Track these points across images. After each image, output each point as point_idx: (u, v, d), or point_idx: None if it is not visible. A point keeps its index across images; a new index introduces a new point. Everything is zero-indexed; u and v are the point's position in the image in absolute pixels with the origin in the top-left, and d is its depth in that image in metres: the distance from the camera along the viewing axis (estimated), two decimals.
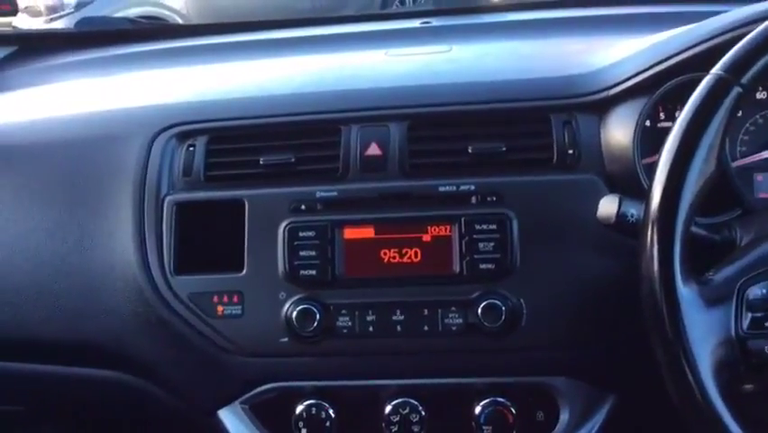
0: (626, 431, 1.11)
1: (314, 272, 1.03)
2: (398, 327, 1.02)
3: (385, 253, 1.03)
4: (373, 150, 1.07)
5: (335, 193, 1.05)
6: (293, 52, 1.42)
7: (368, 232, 1.04)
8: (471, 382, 1.06)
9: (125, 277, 1.08)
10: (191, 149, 1.11)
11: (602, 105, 1.05)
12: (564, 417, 1.05)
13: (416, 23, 1.50)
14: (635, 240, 0.84)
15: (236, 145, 1.10)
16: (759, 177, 1.04)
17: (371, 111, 1.09)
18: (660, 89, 1.02)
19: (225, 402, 1.09)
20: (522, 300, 1.01)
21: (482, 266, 1.01)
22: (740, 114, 1.04)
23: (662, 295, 0.79)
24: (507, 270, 1.01)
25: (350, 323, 1.03)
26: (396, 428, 1.05)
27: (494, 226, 1.01)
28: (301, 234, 1.03)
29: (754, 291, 0.81)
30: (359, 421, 1.07)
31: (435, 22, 1.50)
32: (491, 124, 1.07)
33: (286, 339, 1.03)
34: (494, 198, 1.03)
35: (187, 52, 1.50)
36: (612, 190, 1.00)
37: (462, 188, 1.03)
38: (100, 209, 1.11)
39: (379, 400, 1.06)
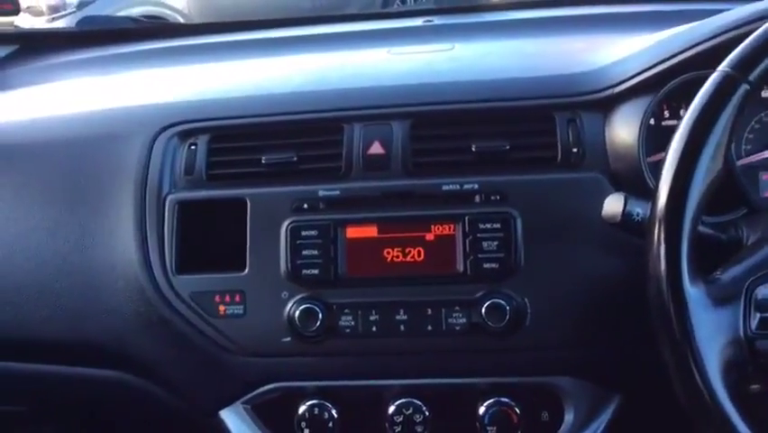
0: (631, 432, 1.10)
1: (316, 272, 1.02)
2: (402, 327, 1.02)
3: (388, 253, 1.03)
4: (376, 148, 1.06)
5: (338, 192, 1.05)
6: (295, 51, 1.41)
7: (371, 231, 1.03)
8: (475, 382, 1.05)
9: (127, 276, 1.07)
10: (193, 147, 1.10)
11: (607, 104, 1.05)
12: (569, 417, 1.04)
13: (418, 22, 1.50)
14: (641, 239, 0.84)
15: (238, 144, 1.10)
16: (764, 176, 1.04)
17: (374, 109, 1.08)
18: (665, 87, 1.02)
19: (227, 403, 1.09)
20: (526, 300, 1.01)
21: (486, 265, 1.00)
22: (745, 112, 1.03)
23: (669, 295, 0.79)
24: (511, 269, 1.01)
25: (353, 323, 1.02)
26: (399, 429, 1.05)
27: (498, 225, 1.01)
28: (303, 233, 1.03)
29: (763, 291, 0.80)
30: (362, 422, 1.06)
31: (437, 20, 1.50)
32: (495, 122, 1.07)
33: (288, 339, 1.03)
34: (498, 197, 1.02)
35: (188, 51, 1.50)
36: (617, 189, 1.00)
37: (466, 186, 1.03)
38: (101, 208, 1.10)
39: (383, 400, 1.06)
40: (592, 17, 1.42)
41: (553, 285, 1.01)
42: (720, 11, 1.04)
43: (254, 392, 1.08)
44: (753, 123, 1.05)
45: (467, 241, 1.01)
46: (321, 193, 1.05)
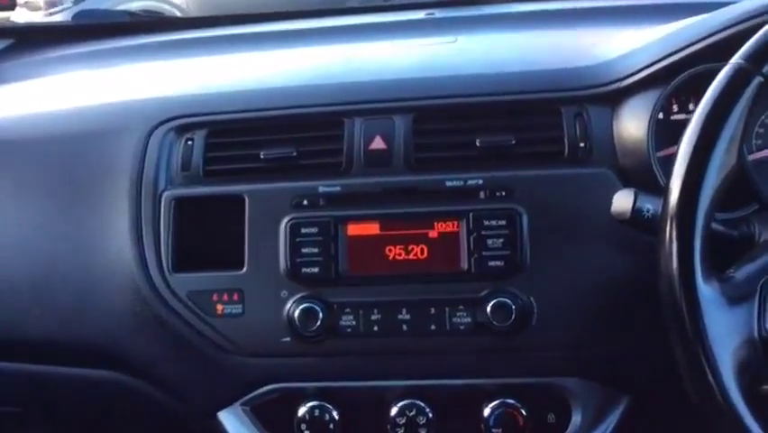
0: None
1: (316, 270, 1.01)
2: (404, 327, 1.01)
3: (390, 250, 1.01)
4: (377, 143, 1.05)
5: (338, 188, 1.03)
6: (295, 44, 1.40)
7: (372, 228, 1.02)
8: (480, 382, 1.04)
9: (122, 275, 1.06)
10: (190, 143, 1.09)
11: (615, 97, 1.03)
12: (576, 419, 1.03)
13: (420, 15, 1.49)
14: (651, 236, 0.83)
15: (236, 139, 1.09)
16: None
17: (375, 103, 1.07)
18: (674, 81, 1.01)
19: (225, 404, 1.08)
20: (532, 299, 0.99)
21: (491, 263, 0.99)
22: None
23: (681, 293, 0.77)
24: (516, 267, 0.99)
25: (354, 322, 1.01)
26: (402, 431, 1.03)
27: (503, 222, 0.99)
28: (303, 230, 1.02)
29: None
30: (363, 424, 1.05)
31: (440, 13, 1.49)
32: (500, 116, 1.05)
33: (288, 339, 1.02)
34: (503, 193, 1.01)
35: (185, 45, 1.49)
36: (625, 184, 0.99)
37: (470, 182, 1.02)
38: (96, 205, 1.09)
39: (385, 401, 1.04)
40: (599, 9, 1.41)
41: (560, 283, 0.99)
42: (730, 3, 1.02)
43: (253, 393, 1.07)
44: (763, 117, 1.03)
45: (471, 238, 1.00)
46: (321, 189, 1.03)
